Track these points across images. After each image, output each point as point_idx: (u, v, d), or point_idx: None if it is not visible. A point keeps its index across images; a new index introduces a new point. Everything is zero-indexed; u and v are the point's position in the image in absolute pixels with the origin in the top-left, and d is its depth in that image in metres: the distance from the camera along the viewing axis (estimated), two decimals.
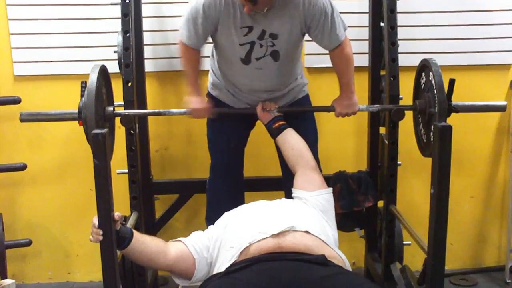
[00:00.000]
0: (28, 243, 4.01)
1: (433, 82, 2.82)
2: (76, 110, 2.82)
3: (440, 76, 2.77)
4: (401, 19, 3.44)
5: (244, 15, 2.91)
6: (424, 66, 2.98)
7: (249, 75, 3.17)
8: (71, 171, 4.15)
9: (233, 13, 2.92)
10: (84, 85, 2.78)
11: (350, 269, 2.51)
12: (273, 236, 2.45)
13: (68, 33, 3.94)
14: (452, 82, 2.77)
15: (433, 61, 2.85)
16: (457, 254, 4.42)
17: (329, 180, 3.62)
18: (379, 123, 3.77)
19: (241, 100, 3.32)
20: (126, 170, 3.46)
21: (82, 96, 2.78)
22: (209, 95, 3.43)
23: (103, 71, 2.88)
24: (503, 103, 3.10)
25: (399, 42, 3.41)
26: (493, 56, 4.11)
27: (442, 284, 2.56)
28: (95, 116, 2.66)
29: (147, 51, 3.81)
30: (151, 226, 3.82)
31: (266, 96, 3.26)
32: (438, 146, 2.42)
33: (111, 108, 2.94)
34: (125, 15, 3.33)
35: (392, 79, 3.38)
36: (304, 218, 2.67)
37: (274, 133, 3.18)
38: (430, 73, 2.86)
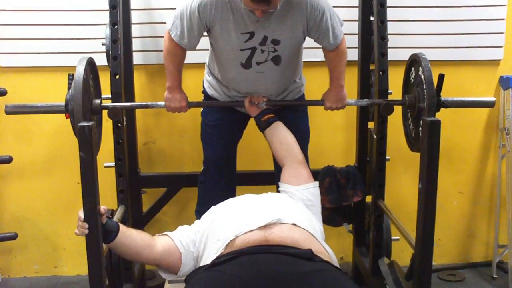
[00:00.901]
0: (14, 237, 3.98)
1: (422, 77, 2.81)
2: (63, 103, 2.78)
3: (430, 71, 2.76)
4: (391, 13, 3.43)
5: (245, 21, 2.88)
6: (414, 61, 2.97)
7: (249, 78, 3.13)
8: (58, 164, 4.13)
9: (233, 19, 2.88)
10: (71, 78, 2.75)
11: (337, 264, 2.51)
12: (260, 228, 2.45)
13: (55, 24, 3.90)
14: (441, 77, 2.77)
15: (423, 56, 2.84)
16: (445, 250, 4.43)
17: (318, 175, 3.63)
18: (368, 118, 3.77)
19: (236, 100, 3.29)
20: (114, 163, 3.44)
21: (69, 88, 2.75)
22: (204, 93, 3.43)
23: (90, 63, 2.85)
24: (492, 99, 3.09)
25: (388, 36, 3.40)
26: (482, 51, 4.11)
27: (429, 280, 2.56)
28: (82, 109, 2.62)
29: (136, 44, 3.79)
30: (139, 219, 3.80)
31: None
32: (426, 141, 2.42)
33: (98, 101, 2.91)
34: (113, 7, 3.30)
35: (381, 73, 3.37)
36: (291, 211, 2.67)
37: (263, 126, 3.15)
38: (420, 68, 2.85)
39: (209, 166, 3.44)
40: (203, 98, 3.47)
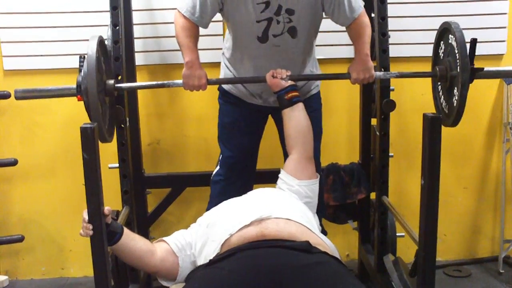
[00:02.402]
0: (21, 239, 4.00)
1: (454, 43, 2.74)
2: (74, 85, 2.72)
3: (462, 34, 2.68)
4: (391, 9, 3.42)
5: None
6: (445, 30, 2.87)
7: (266, 54, 3.08)
8: (63, 166, 4.14)
9: None
10: (82, 59, 2.70)
11: (337, 254, 2.52)
12: (255, 224, 2.45)
13: (57, 26, 3.91)
14: (474, 41, 2.69)
15: (454, 23, 2.76)
16: (451, 246, 4.43)
17: (322, 173, 3.63)
18: (371, 114, 3.76)
19: (253, 92, 3.28)
20: (118, 165, 3.44)
21: (80, 70, 2.69)
22: (220, 88, 3.42)
23: (101, 42, 2.79)
24: None
25: (390, 33, 3.40)
26: (485, 46, 4.08)
27: (433, 276, 2.55)
28: (96, 88, 2.57)
29: (138, 45, 3.79)
30: (144, 220, 3.81)
31: None
32: (428, 137, 2.41)
33: (111, 81, 2.86)
34: (114, 8, 3.30)
35: (383, 70, 3.37)
36: (286, 206, 2.68)
37: (285, 104, 2.99)
38: (450, 35, 2.77)
39: (225, 167, 3.41)
40: (219, 94, 3.45)
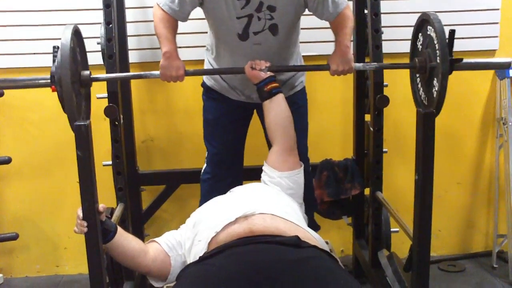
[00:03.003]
0: (15, 237, 3.99)
1: (433, 34, 2.73)
2: (48, 76, 2.67)
3: (441, 25, 2.66)
4: (384, 6, 3.43)
5: None
6: (423, 22, 2.87)
7: (247, 53, 3.05)
8: (57, 164, 4.14)
9: None
10: (56, 49, 2.64)
11: (326, 247, 2.50)
12: (241, 221, 2.45)
13: (50, 24, 3.90)
14: (452, 33, 2.68)
15: (433, 14, 2.74)
16: (445, 240, 4.44)
17: (316, 169, 3.64)
18: (364, 110, 3.77)
19: (235, 87, 3.27)
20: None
21: (54, 61, 2.64)
22: (204, 85, 3.41)
23: (76, 32, 2.71)
24: (508, 59, 2.99)
25: (383, 29, 3.41)
26: (478, 42, 4.11)
27: (427, 270, 2.56)
28: (70, 77, 2.50)
29: (131, 42, 3.79)
30: (138, 217, 3.82)
31: None
32: (421, 133, 2.42)
33: (87, 72, 2.78)
34: (107, 5, 3.30)
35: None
36: (269, 201, 2.67)
37: (264, 96, 2.95)
38: (429, 27, 2.77)
39: (212, 165, 3.41)
40: (202, 91, 3.45)
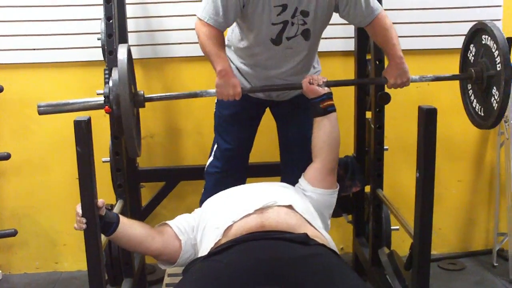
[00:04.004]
0: (14, 233, 3.97)
1: (489, 43, 2.72)
2: (101, 98, 2.66)
3: (500, 31, 2.65)
4: (386, 2, 3.42)
5: None
6: (477, 31, 2.86)
7: (277, 56, 3.04)
8: (56, 160, 4.13)
9: None
10: (107, 72, 2.63)
11: (335, 248, 2.53)
12: (257, 213, 2.47)
13: (50, 20, 3.89)
14: (510, 40, 2.67)
15: (490, 22, 2.73)
16: (445, 239, 4.44)
17: None
18: (366, 107, 3.76)
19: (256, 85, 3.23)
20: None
21: (106, 82, 2.61)
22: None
23: (129, 52, 2.72)
24: None
25: None
26: None
27: (428, 269, 2.55)
28: (129, 96, 2.48)
29: (131, 38, 3.77)
30: (137, 214, 3.80)
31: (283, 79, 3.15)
32: (423, 130, 2.41)
33: (141, 92, 2.78)
34: (107, 1, 3.27)
35: (377, 63, 3.37)
36: (288, 195, 2.69)
37: (319, 112, 2.90)
38: (484, 36, 2.75)
39: (222, 160, 3.38)
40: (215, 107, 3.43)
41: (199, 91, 2.99)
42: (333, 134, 2.91)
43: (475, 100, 2.98)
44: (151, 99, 2.86)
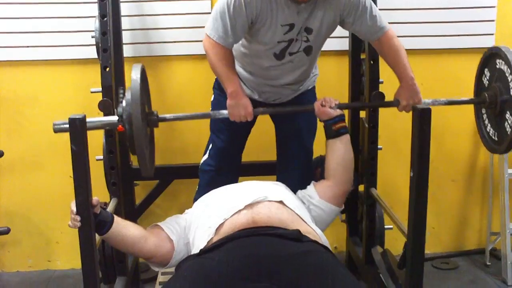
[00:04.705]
0: (7, 231, 3.96)
1: (503, 67, 2.73)
2: (115, 117, 2.65)
3: None
4: (381, 2, 3.42)
5: (285, 12, 2.82)
6: (492, 55, 2.86)
7: (278, 68, 3.08)
8: (50, 158, 4.12)
9: (276, 10, 2.81)
10: (122, 91, 2.65)
11: (327, 244, 2.53)
12: (247, 208, 2.49)
13: (44, 17, 3.88)
14: None
15: (504, 47, 2.73)
16: (438, 238, 4.45)
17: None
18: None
19: (254, 89, 3.26)
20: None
21: (120, 101, 2.64)
22: (218, 79, 3.33)
23: (143, 71, 2.73)
24: None
25: None
26: (473, 39, 4.10)
27: (422, 268, 2.56)
28: (142, 115, 2.51)
29: (126, 36, 3.77)
30: (131, 212, 3.80)
31: (281, 87, 3.21)
32: (417, 129, 2.41)
33: (154, 112, 2.83)
34: None
35: (372, 62, 3.37)
36: (279, 191, 2.70)
37: (331, 134, 2.95)
38: (498, 60, 2.75)
39: (217, 157, 3.39)
40: (214, 84, 3.41)
41: (212, 112, 3.07)
42: (346, 156, 2.94)
43: (489, 125, 2.98)
44: (164, 119, 2.88)
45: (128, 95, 2.51)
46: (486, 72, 2.96)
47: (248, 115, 2.92)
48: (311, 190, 2.94)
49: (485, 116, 3.03)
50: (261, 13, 2.80)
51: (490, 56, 2.92)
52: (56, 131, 2.56)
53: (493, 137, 2.95)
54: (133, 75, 2.54)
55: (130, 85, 2.49)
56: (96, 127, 2.77)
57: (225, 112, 2.95)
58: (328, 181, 2.95)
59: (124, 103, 2.55)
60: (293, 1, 2.77)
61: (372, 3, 2.91)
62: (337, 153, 2.94)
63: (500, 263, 4.09)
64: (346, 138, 2.96)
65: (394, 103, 2.99)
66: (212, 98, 3.40)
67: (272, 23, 2.84)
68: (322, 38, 3.03)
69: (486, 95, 2.88)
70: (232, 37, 2.84)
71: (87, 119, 2.63)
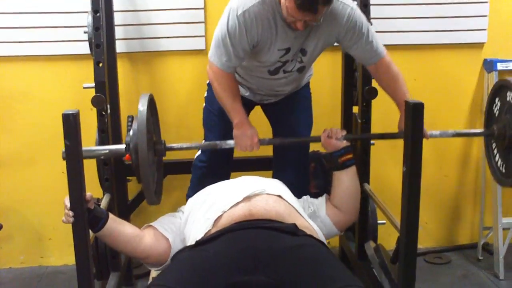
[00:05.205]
0: None
1: None
2: (123, 145, 2.71)
3: None
4: None
5: (283, 38, 2.85)
6: (502, 87, 2.84)
7: (272, 82, 3.14)
8: (42, 154, 4.10)
9: (275, 34, 2.84)
10: (130, 120, 2.68)
11: (324, 239, 2.54)
12: (245, 200, 2.50)
13: (37, 12, 3.85)
14: None
15: None
16: (431, 233, 4.46)
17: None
18: (353, 102, 3.77)
19: (248, 88, 3.30)
20: None
21: (128, 130, 2.67)
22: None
23: (151, 101, 2.77)
24: None
25: (372, 20, 3.39)
26: (466, 34, 4.11)
27: (414, 262, 2.56)
28: (148, 145, 2.56)
29: (118, 32, 3.76)
30: (124, 208, 3.79)
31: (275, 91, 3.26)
32: (410, 124, 2.41)
33: (162, 141, 2.90)
34: None
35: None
36: (278, 187, 2.70)
37: (338, 167, 2.93)
38: (509, 92, 2.72)
39: (209, 153, 3.39)
40: (206, 90, 3.42)
41: (218, 142, 3.09)
42: (352, 187, 2.92)
43: (498, 155, 2.95)
44: (171, 149, 2.96)
45: (135, 125, 2.58)
46: (497, 101, 2.91)
47: (254, 146, 2.97)
48: (322, 202, 2.93)
49: (494, 145, 2.98)
50: (262, 39, 2.84)
51: (500, 88, 2.89)
52: (65, 158, 2.51)
53: (501, 168, 2.91)
54: (140, 105, 2.61)
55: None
56: (103, 155, 2.96)
57: (231, 142, 3.00)
58: (338, 211, 2.92)
59: (131, 132, 2.62)
60: (291, 28, 2.78)
61: (370, 28, 2.91)
62: (344, 185, 2.90)
63: (493, 258, 4.10)
64: (352, 170, 2.93)
65: (399, 135, 2.91)
66: (205, 94, 3.40)
67: (270, 48, 2.88)
68: (315, 57, 3.08)
69: (495, 128, 2.86)
70: (235, 61, 2.89)
71: (94, 147, 2.72)
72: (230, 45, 2.81)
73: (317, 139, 2.99)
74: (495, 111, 2.95)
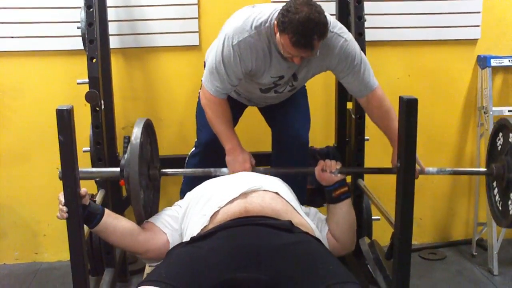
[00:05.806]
0: None
1: None
2: (118, 169, 2.73)
3: None
4: None
5: (277, 67, 2.86)
6: (502, 126, 2.80)
7: (263, 97, 3.17)
8: (37, 150, 4.09)
9: (269, 64, 2.85)
10: (126, 141, 2.68)
11: (320, 236, 2.54)
12: (241, 197, 2.49)
13: (29, 7, 3.84)
14: None
15: None
16: (426, 229, 4.47)
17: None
18: (347, 98, 3.76)
19: (246, 98, 3.31)
20: None
21: (124, 152, 2.67)
22: None
23: (148, 125, 2.77)
24: None
25: (365, 16, 3.40)
26: (459, 31, 4.11)
27: (409, 258, 2.56)
28: (139, 175, 2.57)
29: (112, 28, 3.75)
30: (119, 204, 3.78)
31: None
32: (404, 119, 2.41)
33: (156, 167, 2.91)
34: None
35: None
36: (276, 184, 2.68)
37: (332, 200, 2.82)
38: (510, 134, 2.69)
39: (203, 148, 3.39)
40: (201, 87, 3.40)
41: (213, 169, 3.05)
42: (346, 220, 2.82)
43: (497, 195, 2.90)
44: (165, 174, 3.03)
45: (127, 154, 2.60)
46: (501, 136, 2.85)
47: (246, 170, 2.96)
48: (323, 221, 2.84)
49: (495, 184, 2.93)
50: (256, 67, 2.86)
51: (501, 127, 2.83)
52: (61, 178, 2.52)
53: (499, 207, 2.86)
54: (133, 137, 2.62)
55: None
56: (99, 176, 3.03)
57: (225, 169, 3.01)
58: (335, 239, 2.81)
59: (126, 156, 2.63)
60: (285, 59, 2.79)
61: (363, 60, 2.90)
62: (337, 217, 2.81)
63: (487, 253, 4.11)
64: (347, 203, 2.84)
65: (393, 171, 2.76)
66: (200, 90, 3.39)
67: (264, 74, 2.91)
68: (306, 80, 3.12)
69: (494, 167, 2.82)
70: (228, 88, 2.93)
71: (90, 169, 2.71)
72: (224, 72, 2.84)
73: (311, 172, 2.91)
74: (498, 145, 2.88)
